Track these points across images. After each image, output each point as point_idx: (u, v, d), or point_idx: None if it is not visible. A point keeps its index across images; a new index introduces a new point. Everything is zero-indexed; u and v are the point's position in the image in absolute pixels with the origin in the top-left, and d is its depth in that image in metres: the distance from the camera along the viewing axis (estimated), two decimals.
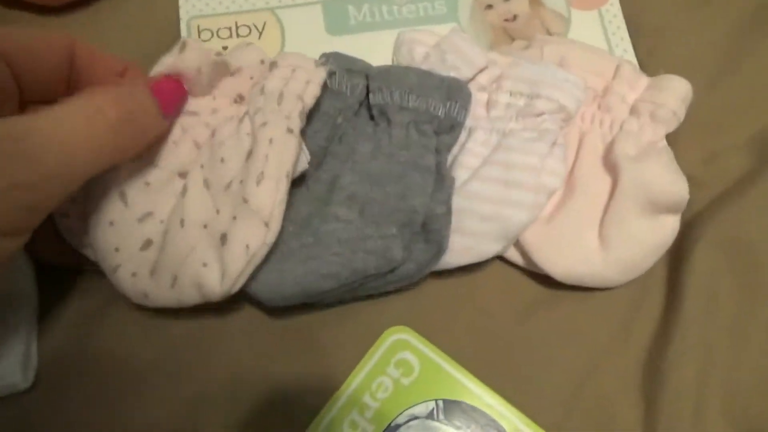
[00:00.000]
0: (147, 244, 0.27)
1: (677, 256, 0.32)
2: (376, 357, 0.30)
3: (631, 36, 0.37)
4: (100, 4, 0.37)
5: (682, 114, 0.31)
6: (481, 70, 0.32)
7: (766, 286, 0.30)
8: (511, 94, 0.31)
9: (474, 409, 0.29)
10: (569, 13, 0.37)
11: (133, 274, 0.27)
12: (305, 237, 0.28)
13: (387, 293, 0.31)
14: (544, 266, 0.30)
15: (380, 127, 0.30)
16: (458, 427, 0.28)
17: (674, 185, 0.30)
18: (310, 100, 0.29)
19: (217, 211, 0.27)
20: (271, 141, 0.27)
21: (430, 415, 0.28)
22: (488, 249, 0.30)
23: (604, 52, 0.34)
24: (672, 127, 0.31)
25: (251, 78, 0.30)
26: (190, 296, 0.27)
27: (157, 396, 0.29)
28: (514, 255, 0.31)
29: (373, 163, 0.29)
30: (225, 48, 0.35)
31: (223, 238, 0.26)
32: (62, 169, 0.21)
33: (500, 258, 0.32)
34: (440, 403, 0.29)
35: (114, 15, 0.37)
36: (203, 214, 0.27)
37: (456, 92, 0.30)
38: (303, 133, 0.29)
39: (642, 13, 0.37)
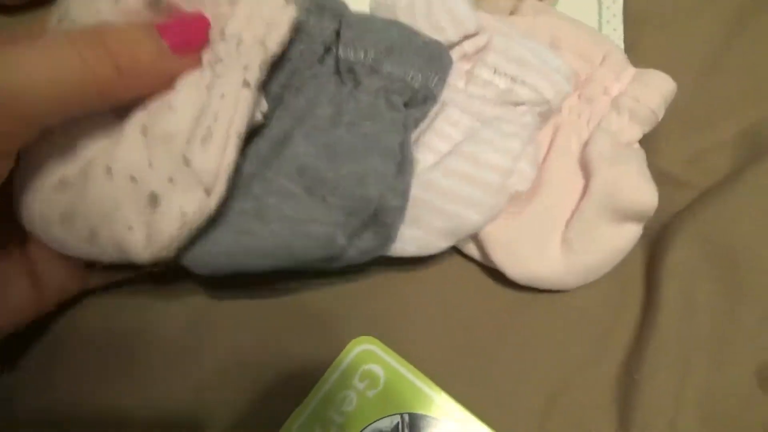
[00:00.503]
0: (63, 183, 0.23)
1: (655, 258, 0.30)
2: (341, 369, 0.29)
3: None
4: None
5: (661, 113, 0.29)
6: (470, 36, 0.28)
7: (746, 292, 0.29)
8: (495, 72, 0.28)
9: (441, 423, 0.28)
10: None
11: (40, 216, 0.24)
12: (244, 201, 0.25)
13: (352, 299, 0.30)
14: (500, 265, 0.28)
15: (346, 88, 0.27)
16: None
17: (646, 195, 0.28)
18: (274, 47, 0.24)
19: (150, 164, 0.23)
20: (222, 96, 0.23)
21: (395, 430, 0.27)
22: (436, 244, 0.28)
23: (596, 34, 0.31)
24: (649, 127, 0.29)
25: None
26: (110, 256, 0.24)
27: (161, 379, 0.29)
28: (471, 249, 0.30)
29: (332, 133, 0.26)
30: None
31: (154, 199, 0.23)
32: (21, 109, 0.20)
33: (459, 252, 0.30)
34: (406, 417, 0.28)
35: None
36: (134, 164, 0.23)
37: (437, 60, 0.27)
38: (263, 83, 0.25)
39: (628, 1, 0.35)
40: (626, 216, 0.28)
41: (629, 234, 0.29)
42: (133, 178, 0.23)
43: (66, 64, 0.20)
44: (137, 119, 0.24)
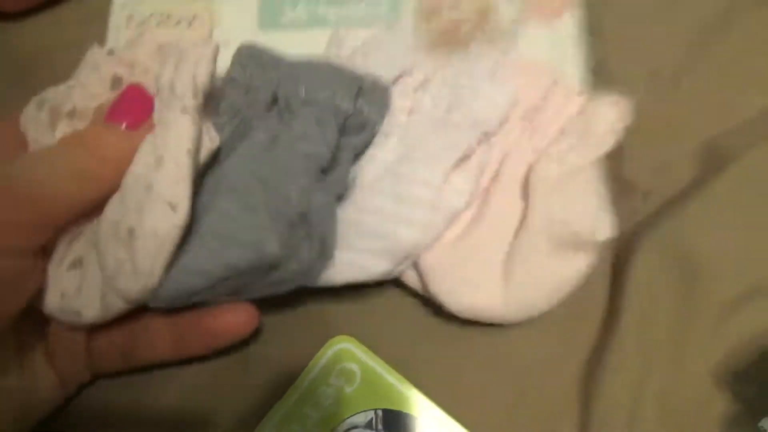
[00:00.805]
0: (76, 262, 0.26)
1: (619, 265, 0.32)
2: (319, 366, 0.30)
3: (588, 39, 0.36)
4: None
5: (616, 136, 0.29)
6: (405, 74, 0.30)
7: (703, 297, 0.30)
8: (432, 101, 0.29)
9: (413, 419, 0.29)
10: (519, 24, 0.34)
11: (62, 295, 0.26)
12: (191, 234, 0.26)
13: (331, 301, 0.31)
14: (438, 296, 0.28)
15: (284, 121, 0.28)
16: None
17: (593, 222, 0.27)
18: (204, 77, 0.27)
19: (124, 204, 0.26)
20: (166, 125, 0.26)
21: (369, 425, 0.29)
22: (374, 267, 0.27)
23: (543, 65, 0.32)
24: (603, 150, 0.29)
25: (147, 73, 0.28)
26: (117, 305, 0.26)
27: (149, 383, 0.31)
28: (412, 279, 0.29)
29: (266, 154, 0.27)
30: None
31: (131, 233, 0.25)
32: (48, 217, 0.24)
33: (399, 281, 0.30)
34: (380, 412, 0.29)
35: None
36: (114, 212, 0.26)
37: (370, 91, 0.29)
38: (208, 115, 0.28)
39: (602, 17, 0.36)
40: (573, 244, 0.28)
41: (577, 264, 0.28)
42: (115, 222, 0.25)
43: (70, 167, 0.25)
44: None
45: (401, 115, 0.30)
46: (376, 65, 0.29)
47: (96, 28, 0.36)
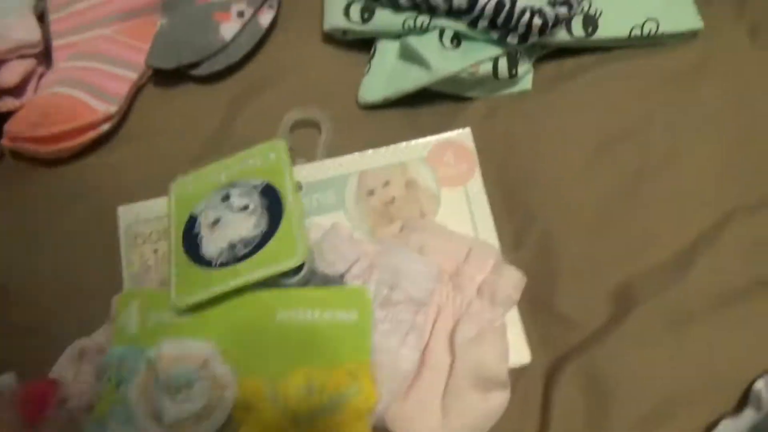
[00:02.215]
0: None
1: (548, 388, 0.38)
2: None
3: (525, 188, 0.43)
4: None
5: (516, 296, 0.37)
6: (354, 262, 0.38)
7: (614, 416, 0.37)
8: (377, 283, 0.37)
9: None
10: (439, 192, 0.42)
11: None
12: None
13: None
14: None
15: None
16: None
17: (500, 366, 0.35)
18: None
19: None
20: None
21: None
22: None
23: (459, 237, 0.39)
24: (509, 308, 0.37)
25: None
26: None
27: None
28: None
29: None
30: (155, 251, 0.42)
31: None
32: None
33: None
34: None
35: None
36: None
37: (333, 284, 0.37)
38: None
39: (539, 169, 0.44)
40: (491, 385, 0.36)
41: (497, 400, 0.36)
42: None
43: None
44: None
45: None
46: (330, 261, 0.38)
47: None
